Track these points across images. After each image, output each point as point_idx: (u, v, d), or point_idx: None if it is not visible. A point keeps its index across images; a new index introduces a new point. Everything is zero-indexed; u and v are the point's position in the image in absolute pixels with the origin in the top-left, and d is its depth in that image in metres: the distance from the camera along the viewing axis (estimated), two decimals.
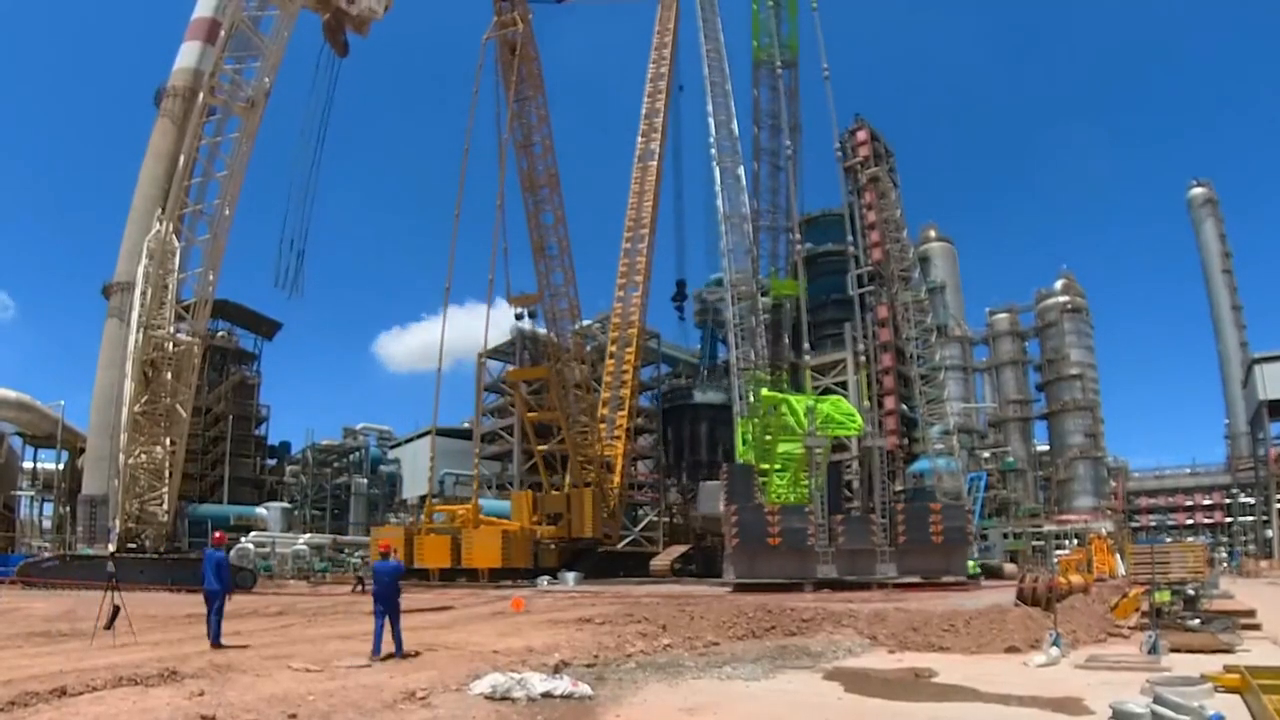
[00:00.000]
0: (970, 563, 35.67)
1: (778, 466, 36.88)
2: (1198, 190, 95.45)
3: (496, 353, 61.12)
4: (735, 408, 47.61)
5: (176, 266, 33.88)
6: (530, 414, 46.83)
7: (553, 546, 44.49)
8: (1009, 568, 45.95)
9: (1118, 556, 43.41)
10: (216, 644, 11.69)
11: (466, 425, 62.71)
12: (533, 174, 44.54)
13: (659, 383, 66.16)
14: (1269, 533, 72.40)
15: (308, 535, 62.00)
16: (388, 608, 10.91)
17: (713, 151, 49.39)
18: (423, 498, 51.36)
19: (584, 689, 8.17)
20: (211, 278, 35.13)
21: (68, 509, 51.94)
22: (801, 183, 58.57)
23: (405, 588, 12.64)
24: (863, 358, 56.54)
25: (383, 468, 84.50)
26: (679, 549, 50.62)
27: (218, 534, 13.15)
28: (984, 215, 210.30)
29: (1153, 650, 11.38)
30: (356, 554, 58.83)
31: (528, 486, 52.62)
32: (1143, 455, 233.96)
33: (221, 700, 7.14)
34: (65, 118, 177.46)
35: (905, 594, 25.44)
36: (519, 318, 47.75)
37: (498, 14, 43.00)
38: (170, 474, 33.33)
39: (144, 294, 33.26)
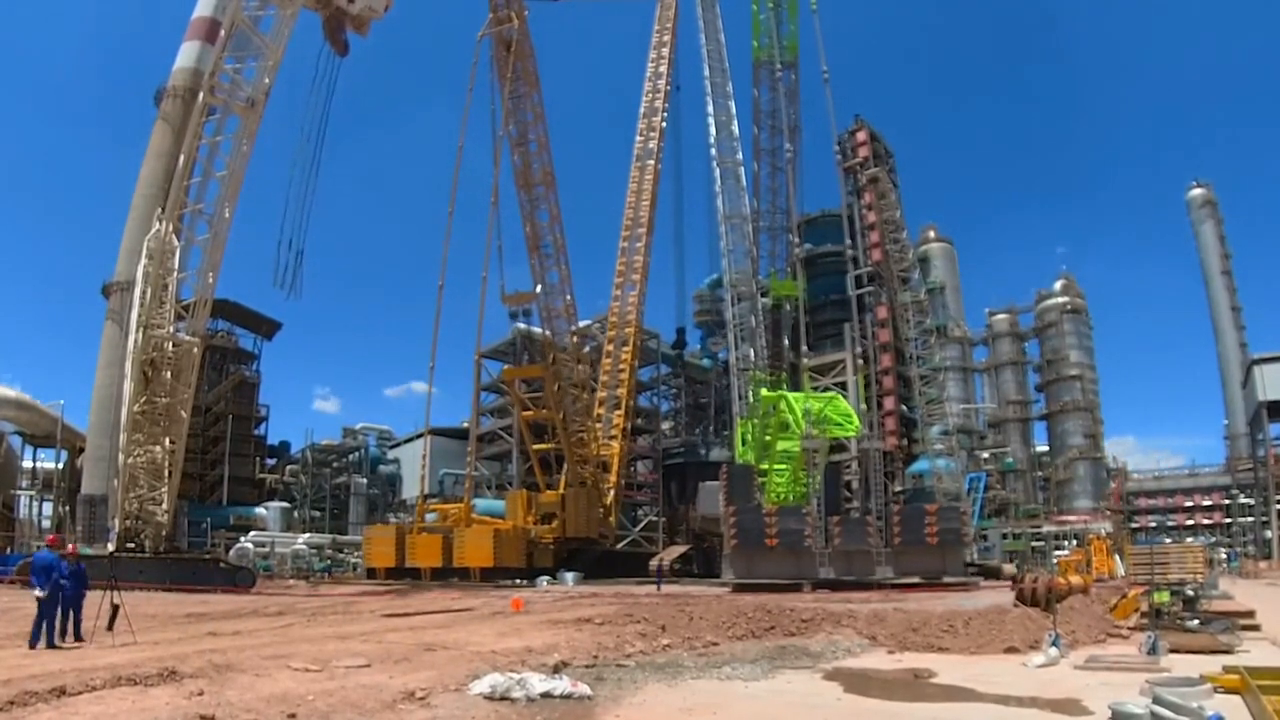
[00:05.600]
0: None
1: (778, 464, 36.90)
2: (1197, 191, 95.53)
3: (496, 353, 61.14)
4: (735, 408, 47.64)
5: (176, 266, 33.84)
6: (526, 413, 46.82)
7: (550, 546, 44.45)
8: (1007, 568, 45.92)
9: (1117, 557, 43.45)
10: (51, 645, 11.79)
11: (465, 425, 62.71)
12: (528, 171, 44.49)
13: (657, 381, 66.10)
14: (1268, 534, 72.39)
15: (307, 535, 62.02)
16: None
17: (713, 152, 49.47)
18: (424, 498, 51.31)
19: (583, 689, 8.16)
20: (211, 278, 35.10)
21: (67, 508, 51.92)
22: (801, 183, 58.60)
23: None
24: (861, 359, 56.56)
25: (382, 468, 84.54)
26: (678, 549, 50.61)
27: (50, 537, 13.49)
28: (984, 215, 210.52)
29: (1152, 651, 11.38)
30: (356, 554, 58.85)
31: (527, 486, 52.59)
32: (1142, 456, 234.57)
33: (221, 700, 7.13)
34: (65, 117, 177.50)
35: (904, 594, 25.44)
36: (514, 317, 47.70)
37: (493, 10, 42.99)
38: (170, 474, 33.29)
39: (144, 293, 33.23)
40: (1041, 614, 15.12)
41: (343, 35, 36.58)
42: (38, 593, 12.02)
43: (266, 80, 34.57)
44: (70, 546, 12.93)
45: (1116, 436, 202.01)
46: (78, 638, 12.42)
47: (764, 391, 40.86)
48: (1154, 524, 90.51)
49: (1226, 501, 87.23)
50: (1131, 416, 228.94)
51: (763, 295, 52.74)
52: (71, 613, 12.46)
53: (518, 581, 38.86)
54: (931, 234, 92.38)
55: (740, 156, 50.43)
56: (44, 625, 11.84)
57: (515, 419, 53.56)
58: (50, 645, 11.72)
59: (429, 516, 46.57)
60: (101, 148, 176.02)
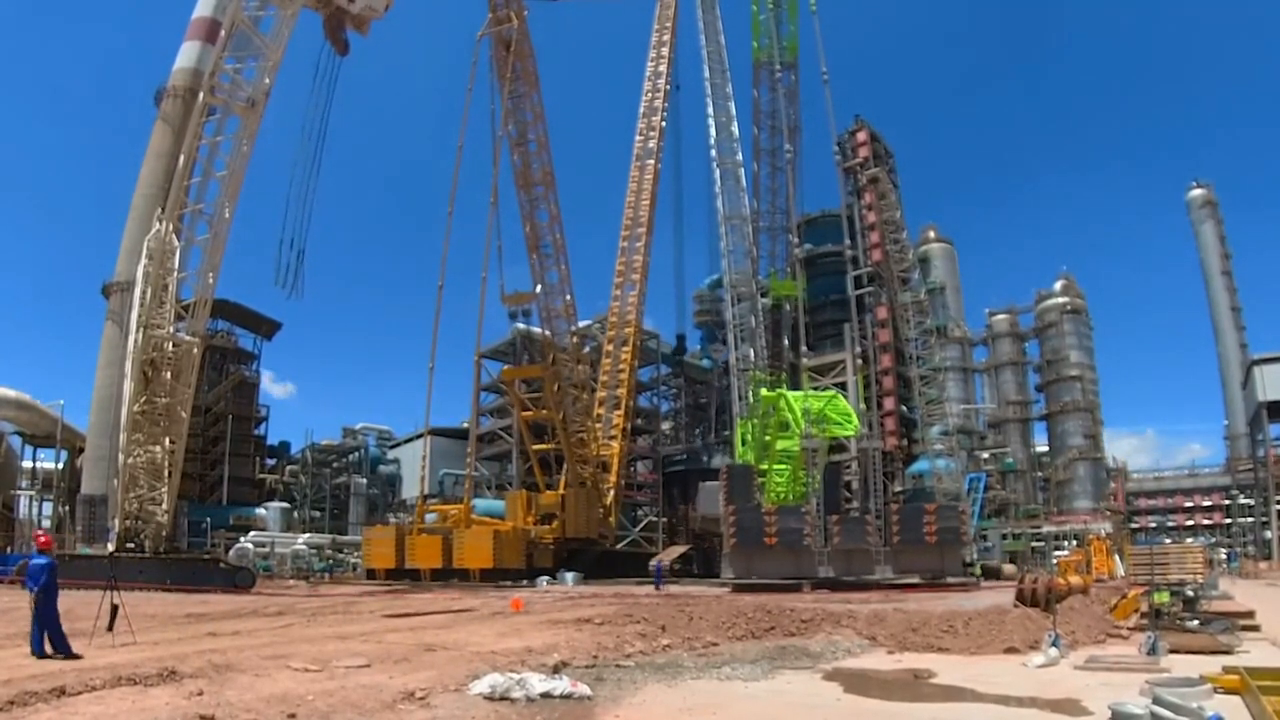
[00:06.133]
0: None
1: (778, 464, 36.92)
2: (1198, 192, 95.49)
3: (496, 353, 61.17)
4: (735, 408, 47.62)
5: (176, 266, 33.84)
6: (525, 413, 46.80)
7: (550, 546, 44.40)
8: (1008, 568, 45.97)
9: (1117, 558, 43.47)
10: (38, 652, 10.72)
11: (465, 426, 62.69)
12: (528, 171, 44.49)
13: (657, 381, 66.09)
14: (1268, 534, 72.41)
15: (307, 535, 62.00)
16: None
17: (713, 152, 49.49)
18: (424, 498, 51.31)
19: (583, 689, 8.16)
20: (211, 278, 35.10)
21: (67, 508, 51.91)
22: (801, 184, 58.70)
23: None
24: (860, 360, 56.53)
25: (382, 468, 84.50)
26: (678, 549, 50.61)
27: (44, 538, 12.67)
28: (984, 215, 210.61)
29: (1152, 651, 11.37)
30: (356, 554, 58.87)
31: (527, 486, 52.59)
32: (1142, 456, 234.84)
33: (220, 700, 7.13)
34: (65, 118, 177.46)
35: (904, 594, 25.45)
36: (514, 317, 47.67)
37: (492, 10, 42.97)
38: (169, 474, 33.28)
39: (144, 293, 33.22)
40: (1041, 614, 15.11)
41: (343, 34, 36.61)
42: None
43: (266, 80, 34.57)
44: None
45: (1137, 430, 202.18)
46: None
47: (764, 392, 40.85)
48: (1154, 524, 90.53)
49: (1226, 502, 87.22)
50: (1133, 416, 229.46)
51: (763, 295, 52.77)
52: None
53: (514, 582, 38.83)
54: (931, 234, 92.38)
55: (740, 157, 50.51)
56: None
57: (515, 419, 53.64)
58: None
59: (429, 517, 46.53)
60: (101, 148, 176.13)
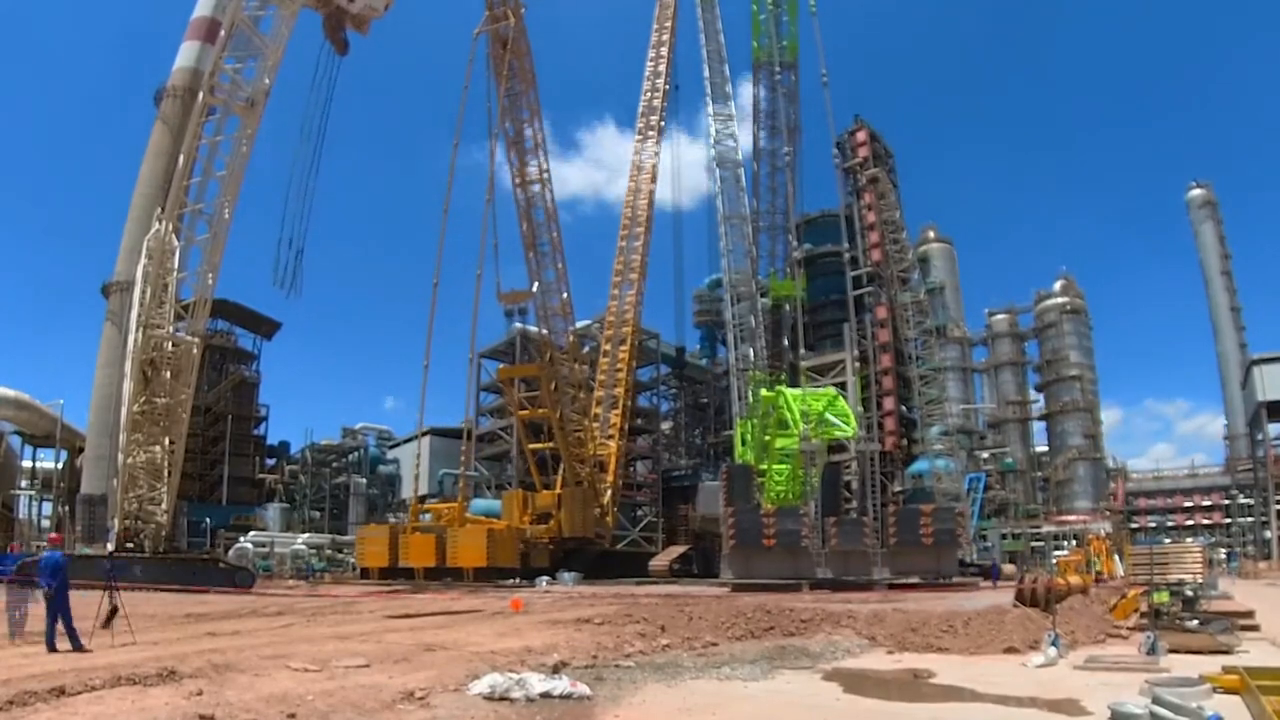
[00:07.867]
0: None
1: (777, 462, 36.91)
2: (1197, 192, 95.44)
3: (495, 353, 61.14)
4: (735, 408, 47.64)
5: (176, 266, 33.85)
6: (522, 412, 46.78)
7: (547, 546, 44.36)
8: (1007, 568, 45.96)
9: (1116, 557, 43.44)
10: (78, 648, 11.22)
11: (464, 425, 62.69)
12: (524, 169, 44.46)
13: (656, 381, 66.08)
14: (1268, 534, 72.40)
15: (306, 535, 62.00)
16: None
17: (712, 152, 49.51)
18: (421, 498, 51.32)
19: (582, 689, 8.16)
20: (211, 278, 35.12)
21: (66, 508, 51.90)
22: (800, 184, 58.77)
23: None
24: (859, 360, 56.54)
25: (381, 468, 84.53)
26: (678, 549, 50.60)
27: (54, 535, 13.09)
28: (984, 215, 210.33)
29: (1151, 651, 11.38)
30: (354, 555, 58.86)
31: (525, 486, 52.57)
32: (1141, 456, 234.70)
33: (220, 700, 7.13)
34: (65, 118, 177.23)
35: (904, 594, 25.45)
36: (510, 315, 47.58)
37: (489, 8, 42.96)
38: (169, 473, 33.29)
39: (143, 293, 33.24)
40: (1041, 614, 15.12)
41: (343, 34, 36.65)
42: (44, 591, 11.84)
43: (266, 80, 34.59)
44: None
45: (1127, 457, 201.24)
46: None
47: (764, 392, 40.86)
48: (1154, 524, 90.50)
49: (1226, 502, 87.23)
50: (1130, 417, 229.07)
51: (762, 295, 52.81)
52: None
53: (517, 581, 38.81)
54: (931, 234, 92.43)
55: (740, 157, 50.59)
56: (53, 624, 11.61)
57: (514, 419, 53.60)
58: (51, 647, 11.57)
59: (424, 516, 46.53)
60: (101, 148, 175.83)
